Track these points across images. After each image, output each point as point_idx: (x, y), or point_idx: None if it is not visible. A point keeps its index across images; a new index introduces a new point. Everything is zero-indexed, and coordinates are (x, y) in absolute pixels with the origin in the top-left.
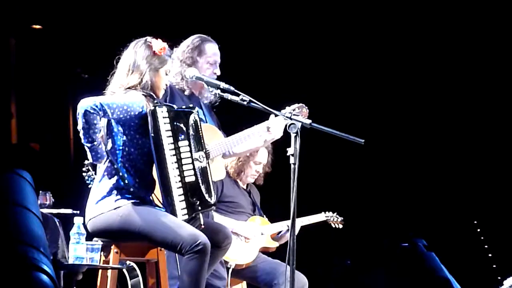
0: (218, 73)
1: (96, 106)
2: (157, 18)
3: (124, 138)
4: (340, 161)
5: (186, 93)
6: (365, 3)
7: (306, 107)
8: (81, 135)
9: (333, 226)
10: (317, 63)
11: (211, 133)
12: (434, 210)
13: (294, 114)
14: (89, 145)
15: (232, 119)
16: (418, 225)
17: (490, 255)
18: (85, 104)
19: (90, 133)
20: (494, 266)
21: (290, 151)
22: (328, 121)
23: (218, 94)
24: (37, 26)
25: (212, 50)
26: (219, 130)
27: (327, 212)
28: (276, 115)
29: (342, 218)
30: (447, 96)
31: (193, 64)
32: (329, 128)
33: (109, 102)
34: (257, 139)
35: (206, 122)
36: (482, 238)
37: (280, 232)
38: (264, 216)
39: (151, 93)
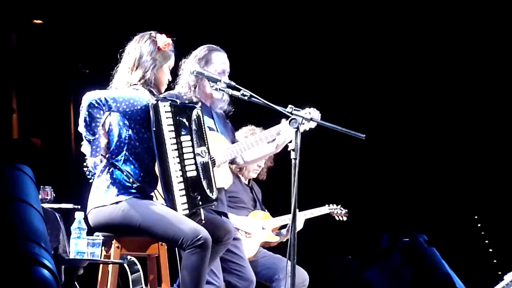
0: (226, 80)
1: (101, 101)
2: (159, 12)
3: (130, 132)
4: (341, 156)
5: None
6: (367, 2)
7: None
8: (82, 127)
9: (337, 218)
10: (318, 59)
11: (217, 140)
12: (435, 205)
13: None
14: (91, 137)
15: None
16: (419, 220)
17: (490, 250)
18: (91, 97)
19: (92, 126)
20: (495, 261)
21: (291, 146)
22: (329, 116)
23: (219, 89)
24: (38, 21)
25: (220, 59)
26: (234, 138)
27: (330, 205)
28: (278, 111)
29: (346, 210)
30: (448, 91)
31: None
32: (330, 123)
33: (114, 96)
34: (269, 144)
35: (217, 131)
36: (482, 233)
37: (282, 226)
38: (266, 210)
39: (154, 89)
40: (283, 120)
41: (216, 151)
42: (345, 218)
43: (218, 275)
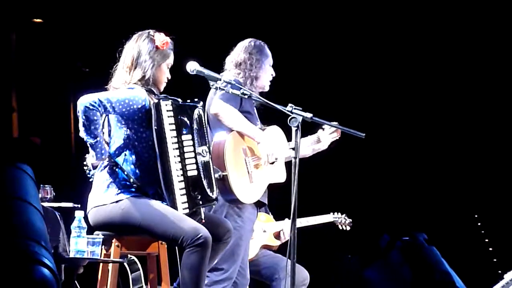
0: (274, 73)
1: (95, 103)
2: (158, 10)
3: (128, 132)
4: (341, 156)
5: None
6: (367, 2)
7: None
8: (82, 132)
9: (341, 227)
10: (319, 59)
11: (278, 135)
12: (435, 204)
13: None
14: (92, 141)
15: None
16: (419, 219)
17: (490, 249)
18: (85, 100)
19: (91, 129)
20: (495, 260)
21: (291, 145)
22: (329, 115)
23: (219, 88)
24: (38, 20)
25: (270, 52)
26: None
27: (335, 213)
28: (279, 111)
29: (350, 220)
30: (448, 91)
31: (261, 66)
32: (330, 122)
33: (109, 97)
34: (306, 148)
35: (258, 124)
36: (482, 232)
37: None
38: (270, 213)
39: (153, 88)
40: (320, 130)
41: (278, 147)
42: (348, 228)
43: (243, 273)
